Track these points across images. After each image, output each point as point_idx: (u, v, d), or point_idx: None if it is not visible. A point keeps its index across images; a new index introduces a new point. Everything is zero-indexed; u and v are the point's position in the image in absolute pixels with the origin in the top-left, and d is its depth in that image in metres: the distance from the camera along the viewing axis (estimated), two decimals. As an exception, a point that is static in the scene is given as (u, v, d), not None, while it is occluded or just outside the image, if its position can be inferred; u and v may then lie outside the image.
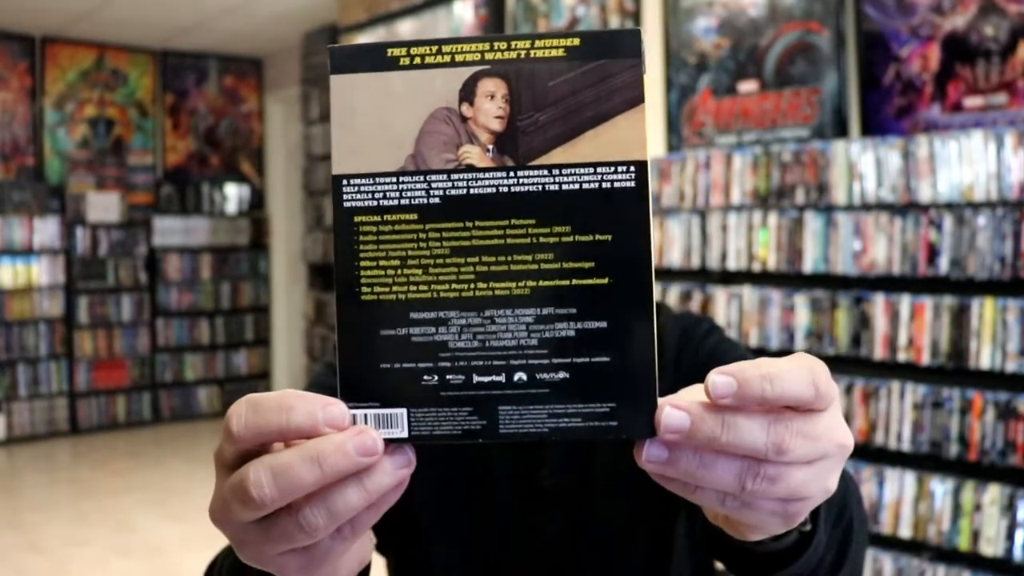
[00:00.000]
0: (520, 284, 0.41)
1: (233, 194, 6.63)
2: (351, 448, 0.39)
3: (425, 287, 0.41)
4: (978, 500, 2.31)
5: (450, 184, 0.41)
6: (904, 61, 2.61)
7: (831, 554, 0.61)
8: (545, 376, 0.40)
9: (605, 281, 0.40)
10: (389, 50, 0.42)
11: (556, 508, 0.87)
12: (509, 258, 0.41)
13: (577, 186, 0.40)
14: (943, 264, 2.39)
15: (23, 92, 5.92)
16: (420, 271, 0.41)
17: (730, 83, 3.08)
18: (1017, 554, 2.24)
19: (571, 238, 0.40)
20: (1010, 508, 2.25)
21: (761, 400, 0.39)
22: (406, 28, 4.40)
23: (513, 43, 0.41)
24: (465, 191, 0.41)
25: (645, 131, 0.40)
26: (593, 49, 0.41)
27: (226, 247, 6.53)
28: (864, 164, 2.56)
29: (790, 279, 2.76)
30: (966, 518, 2.32)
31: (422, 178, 0.41)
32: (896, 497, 2.46)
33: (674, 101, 3.26)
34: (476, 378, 0.41)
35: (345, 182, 0.42)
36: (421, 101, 0.42)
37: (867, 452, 2.54)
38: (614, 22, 3.51)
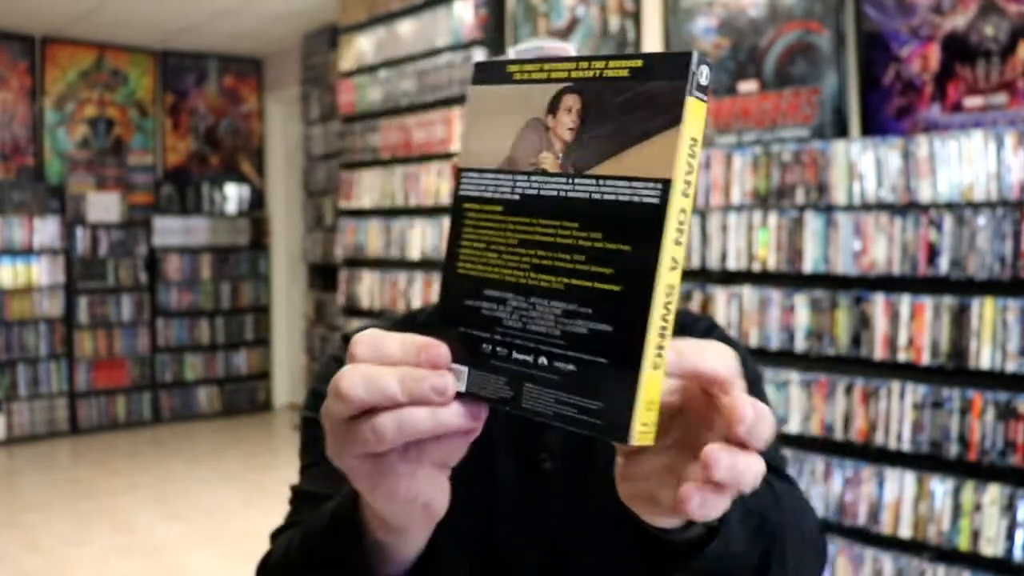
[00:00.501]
0: (558, 279, 0.45)
1: (233, 194, 6.63)
2: (431, 382, 0.46)
3: (496, 270, 0.48)
4: (978, 500, 2.30)
5: (527, 184, 0.48)
6: (904, 61, 2.61)
7: (750, 560, 0.63)
8: (559, 365, 0.45)
9: (617, 288, 0.43)
10: (508, 66, 0.50)
11: (556, 490, 0.89)
12: (555, 255, 0.46)
13: (614, 197, 0.44)
14: (943, 264, 2.39)
15: (23, 92, 5.92)
16: (496, 255, 0.48)
17: (730, 83, 3.08)
18: (1017, 554, 2.24)
19: (601, 244, 0.44)
20: (1010, 508, 2.25)
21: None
22: (406, 28, 4.40)
23: (592, 63, 0.46)
24: (536, 192, 0.47)
25: (676, 150, 0.42)
26: (650, 70, 0.44)
27: (226, 247, 6.53)
28: (864, 164, 2.56)
29: (790, 279, 2.76)
30: (966, 518, 2.32)
31: (510, 177, 0.49)
32: (896, 497, 2.46)
33: (674, 101, 3.26)
34: (515, 355, 0.46)
35: (463, 174, 0.51)
36: (522, 111, 0.49)
37: (867, 452, 2.54)
38: (614, 22, 3.51)
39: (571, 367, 0.44)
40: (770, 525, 0.66)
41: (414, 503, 0.52)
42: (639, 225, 0.43)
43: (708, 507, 0.45)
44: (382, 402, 0.46)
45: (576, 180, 0.46)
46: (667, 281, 0.42)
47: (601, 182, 0.45)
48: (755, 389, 0.93)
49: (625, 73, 0.45)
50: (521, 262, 0.47)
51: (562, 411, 0.44)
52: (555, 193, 0.46)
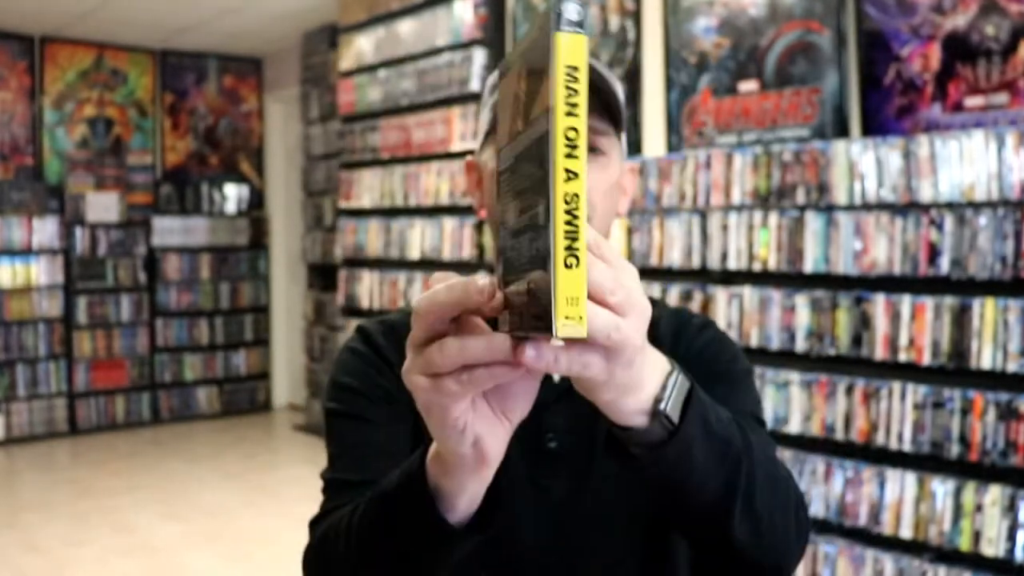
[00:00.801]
0: (526, 215, 0.52)
1: (232, 194, 6.62)
2: (476, 286, 0.53)
3: (511, 217, 0.55)
4: (979, 501, 2.30)
5: (512, 147, 0.56)
6: (905, 61, 2.61)
7: (714, 483, 0.68)
8: (526, 286, 0.51)
9: (540, 208, 0.50)
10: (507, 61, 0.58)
11: (562, 469, 0.92)
12: (524, 197, 0.53)
13: (536, 135, 0.51)
14: (944, 264, 2.38)
15: (22, 92, 5.91)
16: (511, 208, 0.56)
17: (730, 83, 3.07)
18: (1018, 555, 2.23)
19: (538, 177, 0.50)
20: (1011, 509, 2.25)
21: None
22: (406, 27, 4.40)
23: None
24: (514, 153, 0.55)
25: (554, 80, 0.49)
26: (544, 27, 0.50)
27: (225, 247, 6.52)
28: (865, 164, 2.55)
29: (791, 279, 2.75)
30: (967, 519, 2.32)
31: (510, 146, 0.56)
32: (897, 498, 2.45)
33: (674, 101, 3.25)
34: (515, 288, 0.53)
35: (500, 153, 0.59)
36: (511, 98, 0.56)
37: (868, 452, 2.54)
38: (614, 22, 3.51)
39: (531, 286, 0.50)
40: (736, 452, 0.69)
41: (464, 434, 0.58)
42: (542, 151, 0.49)
43: (542, 358, 0.51)
44: (444, 311, 0.54)
45: (524, 132, 0.53)
46: (564, 190, 0.48)
47: (530, 128, 0.52)
48: (745, 383, 0.98)
49: (536, 35, 0.51)
50: (515, 210, 0.55)
51: (535, 325, 0.49)
52: (521, 148, 0.54)
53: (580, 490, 0.92)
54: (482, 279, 0.53)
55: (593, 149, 0.89)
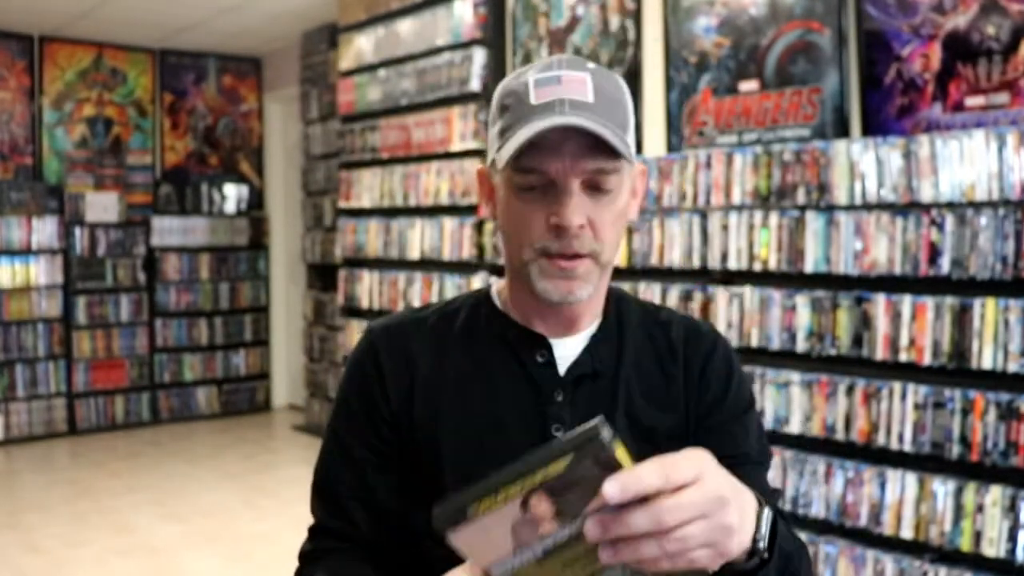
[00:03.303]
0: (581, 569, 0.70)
1: (232, 194, 6.61)
2: None
3: None
4: (980, 501, 2.30)
5: (543, 543, 0.67)
6: (905, 60, 2.61)
7: None
8: None
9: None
10: (467, 508, 0.64)
11: None
12: (575, 560, 0.68)
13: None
14: (945, 264, 2.38)
15: (21, 91, 5.90)
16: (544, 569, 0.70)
17: (731, 82, 3.07)
18: (1019, 555, 2.23)
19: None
20: (1012, 509, 2.24)
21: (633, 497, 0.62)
22: (405, 27, 4.39)
23: (535, 471, 0.63)
24: (552, 543, 0.67)
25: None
26: (582, 453, 0.62)
27: (225, 247, 6.51)
28: (865, 164, 2.55)
29: (791, 279, 2.75)
30: (968, 519, 2.32)
31: (529, 548, 0.67)
32: (898, 498, 2.45)
33: (674, 100, 3.25)
34: None
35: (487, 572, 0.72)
36: (503, 525, 0.65)
37: (868, 453, 2.53)
38: (614, 21, 3.51)
39: None
40: (793, 559, 0.84)
41: None
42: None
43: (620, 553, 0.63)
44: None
45: (575, 522, 0.64)
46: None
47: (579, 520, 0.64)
48: (756, 413, 1.05)
49: (563, 468, 0.61)
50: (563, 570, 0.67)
51: None
52: (567, 535, 0.64)
53: None
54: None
55: (601, 190, 0.90)
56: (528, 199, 0.90)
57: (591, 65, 0.93)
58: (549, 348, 0.97)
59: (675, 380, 0.99)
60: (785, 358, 2.74)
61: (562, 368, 0.97)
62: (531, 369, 0.97)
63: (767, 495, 1.00)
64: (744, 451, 0.98)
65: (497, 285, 1.05)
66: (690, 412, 0.99)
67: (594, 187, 0.89)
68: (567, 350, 0.98)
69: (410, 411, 0.97)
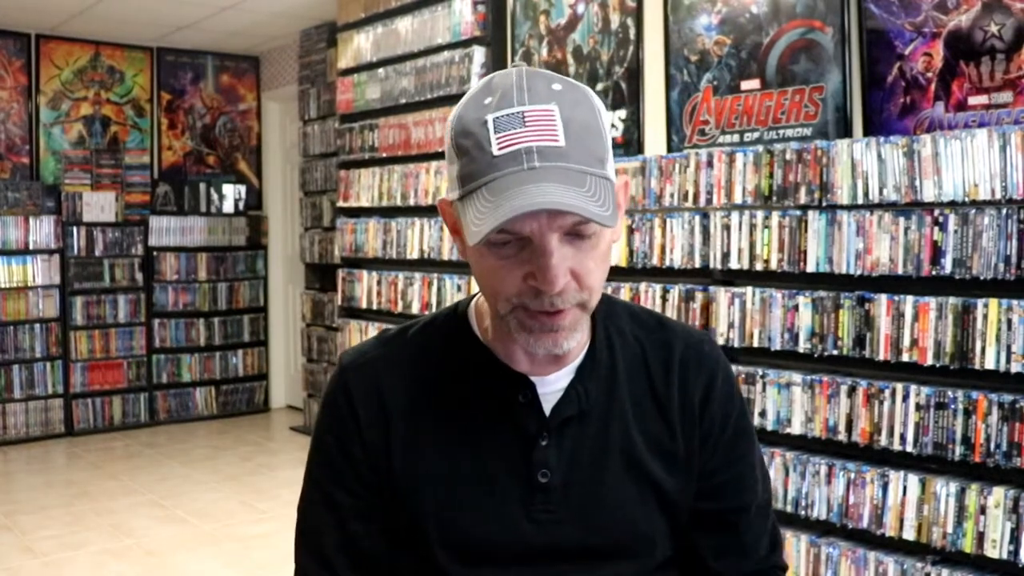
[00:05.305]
0: None
1: (230, 193, 6.59)
2: None
3: None
4: (983, 502, 2.28)
5: None
6: (908, 59, 2.59)
7: None
8: None
9: None
10: None
11: (554, 500, 0.92)
12: None
13: None
14: (947, 264, 2.37)
15: (18, 90, 5.88)
16: None
17: (732, 81, 3.05)
18: (1022, 557, 2.22)
19: None
20: (1015, 510, 2.23)
21: None
22: (405, 25, 4.38)
23: None
24: None
25: None
26: None
27: (223, 247, 6.49)
28: (867, 163, 2.53)
29: (793, 279, 2.73)
30: (971, 520, 2.30)
31: None
32: (900, 499, 2.43)
33: (676, 99, 3.24)
34: None
35: None
36: None
37: (870, 454, 2.52)
38: (615, 19, 3.49)
39: None
40: None
41: None
42: None
43: None
44: None
45: None
46: None
47: None
48: (753, 433, 1.02)
49: None
50: None
51: None
52: None
53: (575, 519, 0.92)
54: None
55: (583, 236, 0.82)
56: (502, 254, 0.82)
57: (556, 85, 0.82)
58: (532, 387, 0.92)
59: (671, 405, 0.95)
60: (787, 358, 2.72)
61: (547, 406, 0.92)
62: (514, 411, 0.91)
63: (773, 540, 1.01)
64: (747, 501, 0.98)
65: (477, 301, 0.98)
66: (690, 441, 0.96)
67: (575, 235, 0.81)
68: (551, 386, 0.92)
69: (388, 456, 0.92)
